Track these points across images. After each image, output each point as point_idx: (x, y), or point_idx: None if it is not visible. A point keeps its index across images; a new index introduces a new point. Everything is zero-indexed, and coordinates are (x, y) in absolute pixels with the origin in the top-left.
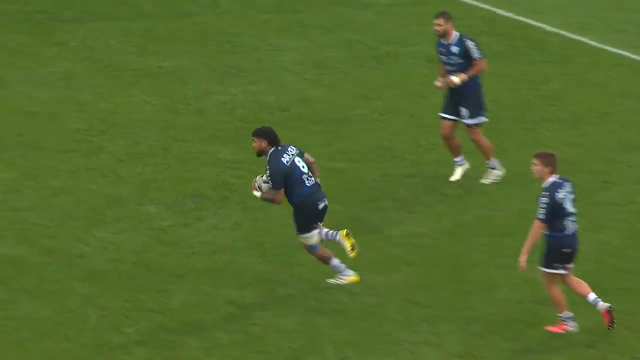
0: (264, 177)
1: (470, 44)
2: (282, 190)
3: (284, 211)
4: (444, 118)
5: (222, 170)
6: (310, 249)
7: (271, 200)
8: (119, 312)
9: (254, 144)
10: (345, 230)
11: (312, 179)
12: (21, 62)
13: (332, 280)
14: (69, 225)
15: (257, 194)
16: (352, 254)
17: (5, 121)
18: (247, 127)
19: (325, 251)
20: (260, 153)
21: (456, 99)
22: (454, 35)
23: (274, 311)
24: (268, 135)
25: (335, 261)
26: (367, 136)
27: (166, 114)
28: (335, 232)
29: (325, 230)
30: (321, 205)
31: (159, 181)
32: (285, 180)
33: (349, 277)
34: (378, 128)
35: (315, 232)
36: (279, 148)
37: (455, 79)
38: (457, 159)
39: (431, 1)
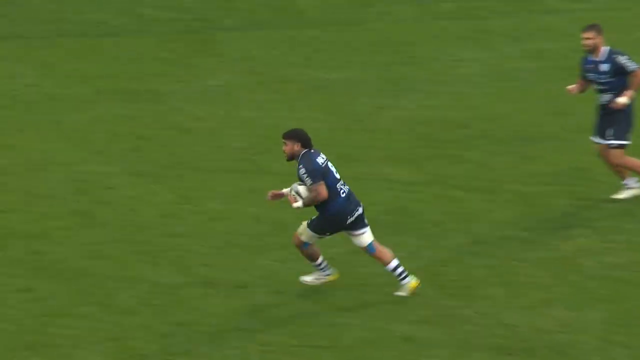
0: (296, 184)
1: (621, 59)
2: (324, 183)
3: (465, 239)
4: (596, 142)
5: (397, 193)
6: (303, 246)
7: (315, 198)
8: (284, 349)
9: (284, 147)
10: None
11: (346, 186)
12: (177, 75)
13: (306, 278)
14: (228, 252)
15: (299, 204)
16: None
17: (160, 138)
18: (425, 146)
19: (316, 250)
20: (291, 157)
21: (607, 119)
22: (603, 50)
23: (455, 349)
24: (301, 138)
25: (321, 260)
26: (558, 156)
27: (334, 131)
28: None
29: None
30: (354, 217)
31: None
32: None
33: (330, 276)
34: (571, 147)
35: (326, 238)
36: (312, 151)
37: (623, 100)
38: (625, 182)
39: (633, 7)
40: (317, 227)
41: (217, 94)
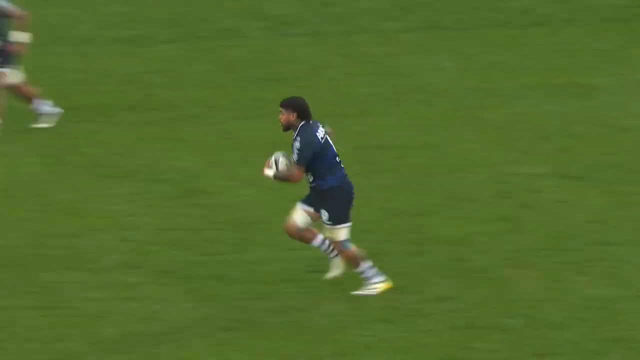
0: (280, 154)
1: None
2: (304, 169)
3: None
4: None
5: None
6: (342, 246)
7: (287, 178)
8: None
9: (280, 117)
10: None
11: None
12: (611, 68)
13: (358, 292)
14: None
15: (270, 172)
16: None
17: (592, 137)
18: None
19: (358, 251)
20: (287, 127)
21: None
22: None
23: None
24: (298, 107)
25: (367, 264)
26: None
27: None
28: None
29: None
30: (352, 194)
31: None
32: (314, 158)
33: (381, 284)
34: None
35: (349, 223)
36: (310, 122)
37: None
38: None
39: None
40: (335, 214)
41: None
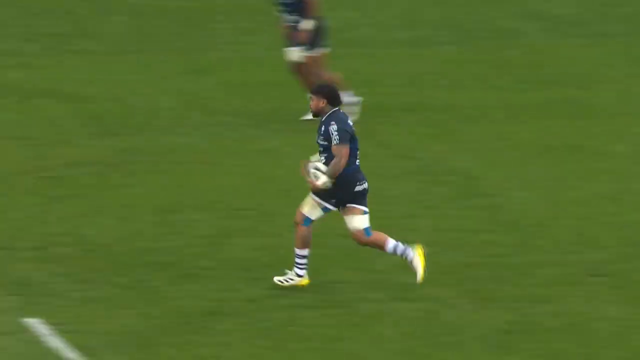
0: (311, 163)
1: None
2: (348, 145)
3: None
4: None
5: None
6: (365, 234)
7: (339, 164)
8: None
9: (310, 103)
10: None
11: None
12: None
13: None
14: None
15: (323, 179)
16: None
17: None
18: None
19: (381, 235)
20: (317, 113)
21: None
22: None
23: None
24: (329, 93)
25: (393, 243)
26: None
27: None
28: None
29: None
30: (362, 186)
31: None
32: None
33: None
34: None
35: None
36: (341, 110)
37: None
38: None
39: None
40: (358, 201)
41: None
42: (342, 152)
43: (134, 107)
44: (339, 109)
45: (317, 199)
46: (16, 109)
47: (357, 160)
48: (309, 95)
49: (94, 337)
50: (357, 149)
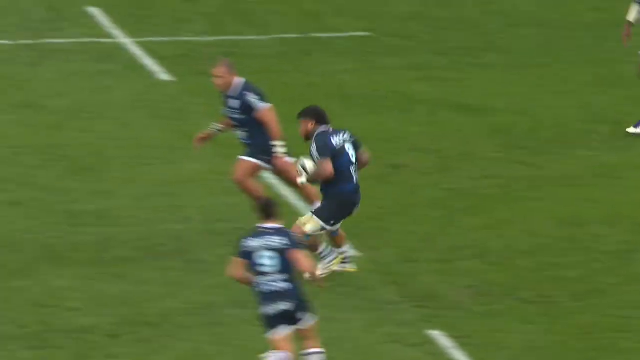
0: (304, 158)
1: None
2: (330, 160)
3: None
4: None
5: None
6: (306, 236)
7: (318, 174)
8: None
9: (299, 129)
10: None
11: (357, 174)
12: None
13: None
14: None
15: (303, 179)
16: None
17: None
18: None
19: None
20: (307, 137)
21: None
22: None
23: None
24: (315, 115)
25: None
26: None
27: None
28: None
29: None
30: (357, 206)
31: None
32: (333, 159)
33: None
34: None
35: (328, 227)
36: (329, 130)
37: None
38: None
39: None
40: (324, 212)
41: None
42: (322, 165)
43: (541, 121)
44: (328, 128)
45: (319, 222)
46: (425, 121)
47: (354, 178)
48: None
49: (494, 352)
50: (351, 164)
